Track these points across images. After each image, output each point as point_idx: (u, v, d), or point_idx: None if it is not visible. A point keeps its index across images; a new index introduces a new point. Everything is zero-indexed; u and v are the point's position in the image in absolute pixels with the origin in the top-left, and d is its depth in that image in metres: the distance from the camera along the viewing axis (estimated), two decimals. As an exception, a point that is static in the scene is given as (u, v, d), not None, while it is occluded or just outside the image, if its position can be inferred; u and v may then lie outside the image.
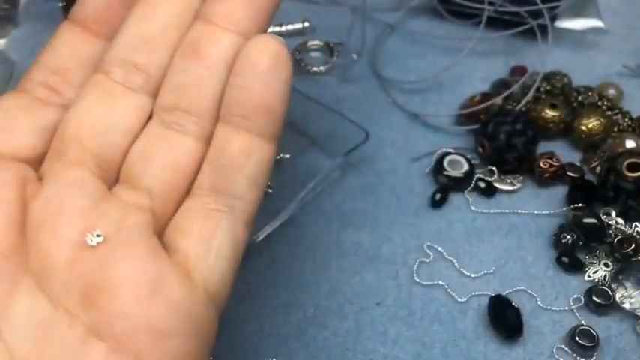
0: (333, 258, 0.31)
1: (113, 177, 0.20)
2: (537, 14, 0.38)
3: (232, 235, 0.20)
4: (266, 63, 0.20)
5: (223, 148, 0.20)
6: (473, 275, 0.30)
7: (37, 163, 0.20)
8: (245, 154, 0.20)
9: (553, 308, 0.29)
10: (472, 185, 0.33)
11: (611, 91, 0.37)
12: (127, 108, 0.20)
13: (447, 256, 0.31)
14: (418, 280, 0.30)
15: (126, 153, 0.20)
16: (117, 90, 0.21)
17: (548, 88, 0.37)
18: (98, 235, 0.18)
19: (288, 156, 0.33)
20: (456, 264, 0.30)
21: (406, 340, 0.28)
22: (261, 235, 0.29)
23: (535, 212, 0.32)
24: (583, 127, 0.34)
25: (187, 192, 0.20)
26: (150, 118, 0.21)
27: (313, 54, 0.40)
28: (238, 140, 0.20)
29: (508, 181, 0.33)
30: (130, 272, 0.18)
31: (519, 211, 0.33)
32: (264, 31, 0.21)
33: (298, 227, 0.32)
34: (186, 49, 0.21)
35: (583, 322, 0.28)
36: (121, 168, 0.20)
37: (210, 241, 0.19)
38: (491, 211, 0.33)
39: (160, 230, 0.20)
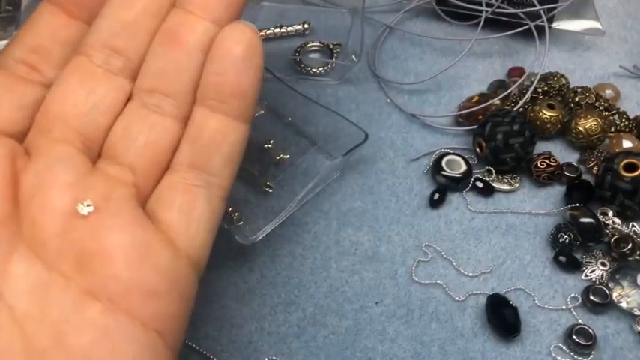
0: (332, 257, 0.31)
1: (96, 153, 0.21)
2: (535, 16, 0.38)
3: (210, 208, 0.21)
4: (240, 51, 0.21)
5: (201, 129, 0.22)
6: (471, 274, 0.30)
7: (19, 139, 0.21)
8: (221, 135, 0.22)
9: (550, 307, 0.29)
10: (470, 185, 0.33)
11: (609, 92, 0.38)
12: (108, 89, 0.22)
13: (445, 256, 0.31)
14: (417, 279, 0.30)
15: (108, 131, 0.22)
16: (98, 72, 0.22)
17: (545, 88, 0.37)
18: (89, 205, 0.19)
19: (288, 156, 0.33)
20: (454, 263, 0.31)
21: (405, 339, 0.28)
22: (261, 235, 0.30)
23: (533, 212, 0.33)
24: (580, 128, 0.34)
25: (166, 168, 0.22)
26: (129, 99, 0.22)
27: (312, 55, 0.40)
28: (215, 122, 0.22)
29: (506, 181, 0.34)
30: (121, 239, 0.19)
31: (517, 210, 0.33)
32: (237, 20, 0.22)
33: (298, 227, 0.32)
34: (164, 36, 0.22)
35: (580, 320, 0.29)
36: (103, 145, 0.22)
37: (190, 213, 0.21)
38: (489, 210, 0.33)
39: (142, 203, 0.21)
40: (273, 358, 0.27)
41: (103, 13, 0.22)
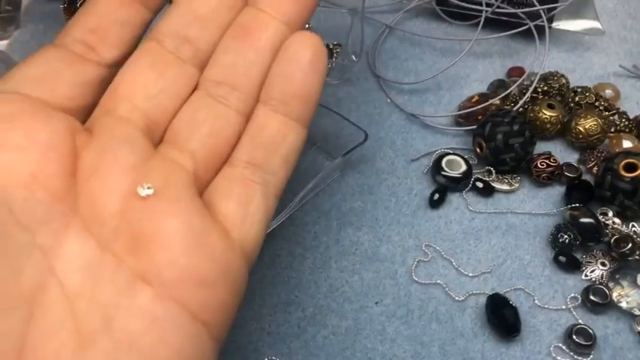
0: (332, 257, 0.31)
1: (158, 138, 0.21)
2: (535, 15, 0.38)
3: (265, 204, 0.21)
4: (308, 56, 0.22)
5: (262, 128, 0.22)
6: (471, 274, 0.30)
7: (77, 115, 0.21)
8: (282, 136, 0.22)
9: (550, 307, 0.29)
10: (470, 185, 0.33)
11: (608, 92, 0.38)
12: (177, 75, 0.22)
13: (445, 256, 0.31)
14: (416, 279, 0.30)
15: (172, 116, 0.22)
16: (169, 58, 0.22)
17: (545, 88, 0.37)
18: (149, 188, 0.19)
19: (287, 156, 0.33)
20: (454, 263, 0.31)
21: (405, 339, 0.28)
22: (261, 235, 0.30)
23: (533, 212, 0.33)
24: (580, 128, 0.34)
25: (225, 161, 0.22)
26: (195, 89, 0.22)
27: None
28: (276, 122, 0.22)
29: (506, 181, 0.34)
30: (178, 225, 0.19)
31: (517, 210, 0.33)
32: (304, 26, 0.23)
33: (298, 227, 0.32)
34: (236, 31, 0.22)
35: (580, 321, 0.29)
36: (166, 130, 0.22)
37: (247, 206, 0.21)
38: (489, 210, 0.33)
39: (200, 191, 0.21)
40: (273, 358, 0.27)
41: (177, 3, 0.23)
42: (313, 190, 0.32)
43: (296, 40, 0.22)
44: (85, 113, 0.21)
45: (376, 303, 0.29)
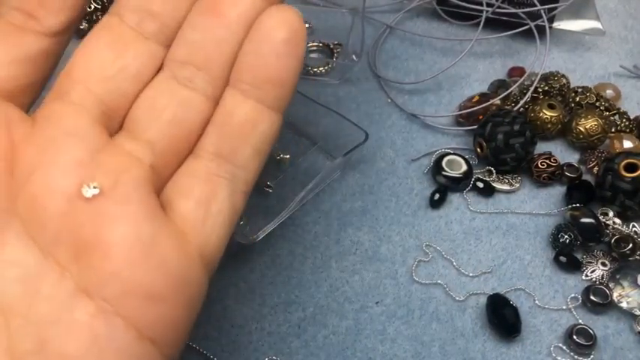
0: (332, 257, 0.31)
1: (116, 124, 0.19)
2: (536, 16, 0.38)
3: (231, 202, 0.19)
4: (283, 35, 0.19)
5: (231, 114, 0.20)
6: (471, 274, 0.30)
7: (18, 96, 0.19)
8: (252, 124, 0.20)
9: (551, 307, 0.29)
10: (470, 185, 0.33)
11: (609, 92, 0.38)
12: (138, 54, 0.20)
13: (445, 256, 0.31)
14: (417, 279, 0.30)
15: (133, 100, 0.20)
16: (129, 35, 0.20)
17: (546, 88, 0.37)
18: (94, 187, 0.17)
19: (288, 156, 0.33)
20: (455, 263, 0.31)
21: (405, 339, 0.28)
22: (261, 235, 0.30)
23: (533, 212, 0.33)
24: (581, 128, 0.34)
25: (189, 152, 0.20)
26: (159, 69, 0.20)
27: (313, 55, 0.40)
28: (246, 108, 0.20)
29: (506, 181, 0.34)
30: (124, 232, 0.17)
31: (517, 210, 0.33)
32: (283, 1, 0.21)
33: (298, 227, 0.32)
34: (204, 5, 0.20)
35: (581, 321, 0.29)
36: (126, 115, 0.20)
37: (209, 206, 0.19)
38: (490, 210, 0.33)
39: (158, 188, 0.19)
40: (274, 358, 0.27)
41: None
42: (313, 190, 0.32)
43: (270, 15, 0.19)
44: (30, 93, 0.19)
45: (377, 303, 0.29)
